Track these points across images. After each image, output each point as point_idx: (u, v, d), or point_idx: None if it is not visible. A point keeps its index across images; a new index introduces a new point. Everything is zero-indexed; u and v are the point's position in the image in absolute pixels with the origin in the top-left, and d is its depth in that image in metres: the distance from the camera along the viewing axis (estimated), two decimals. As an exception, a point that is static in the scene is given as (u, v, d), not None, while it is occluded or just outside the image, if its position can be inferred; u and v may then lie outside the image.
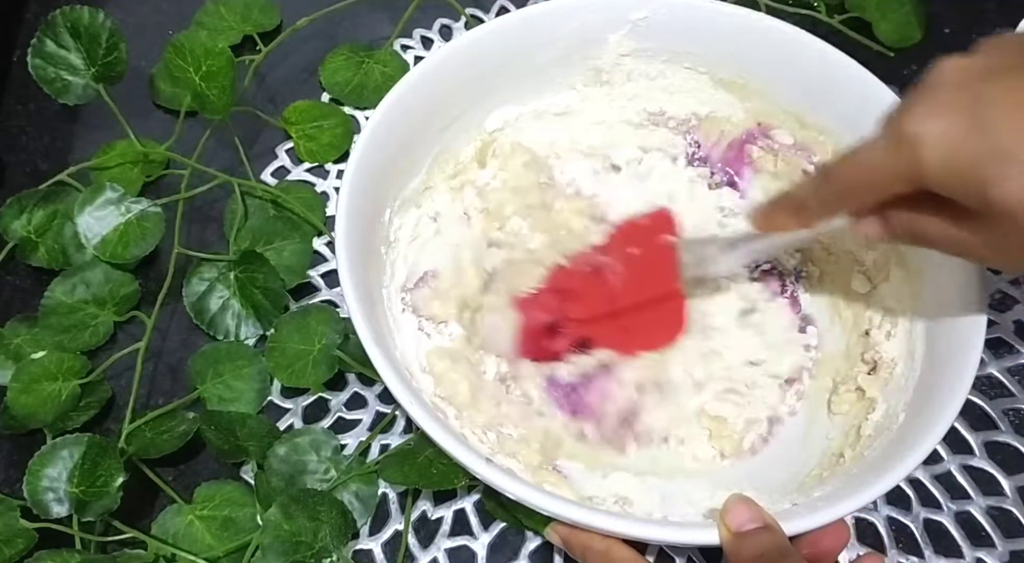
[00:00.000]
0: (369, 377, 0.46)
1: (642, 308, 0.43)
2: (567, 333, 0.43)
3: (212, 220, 0.51)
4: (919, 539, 0.42)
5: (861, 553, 0.41)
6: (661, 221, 0.44)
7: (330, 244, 0.50)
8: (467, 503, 0.43)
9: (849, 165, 0.32)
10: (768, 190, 0.47)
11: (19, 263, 0.49)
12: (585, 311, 0.43)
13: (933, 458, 0.44)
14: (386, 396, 0.46)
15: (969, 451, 0.44)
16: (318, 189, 0.52)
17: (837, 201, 0.34)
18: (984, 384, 0.46)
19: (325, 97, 0.55)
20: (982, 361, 0.36)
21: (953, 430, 0.42)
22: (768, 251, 0.42)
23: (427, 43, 0.58)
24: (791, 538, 0.32)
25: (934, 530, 0.42)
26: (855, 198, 0.33)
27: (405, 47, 0.57)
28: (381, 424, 0.44)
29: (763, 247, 0.39)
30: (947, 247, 0.32)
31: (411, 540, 0.42)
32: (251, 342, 0.47)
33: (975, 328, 0.36)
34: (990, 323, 0.47)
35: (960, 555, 0.42)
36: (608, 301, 0.43)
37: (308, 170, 0.53)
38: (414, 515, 0.43)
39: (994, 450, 0.44)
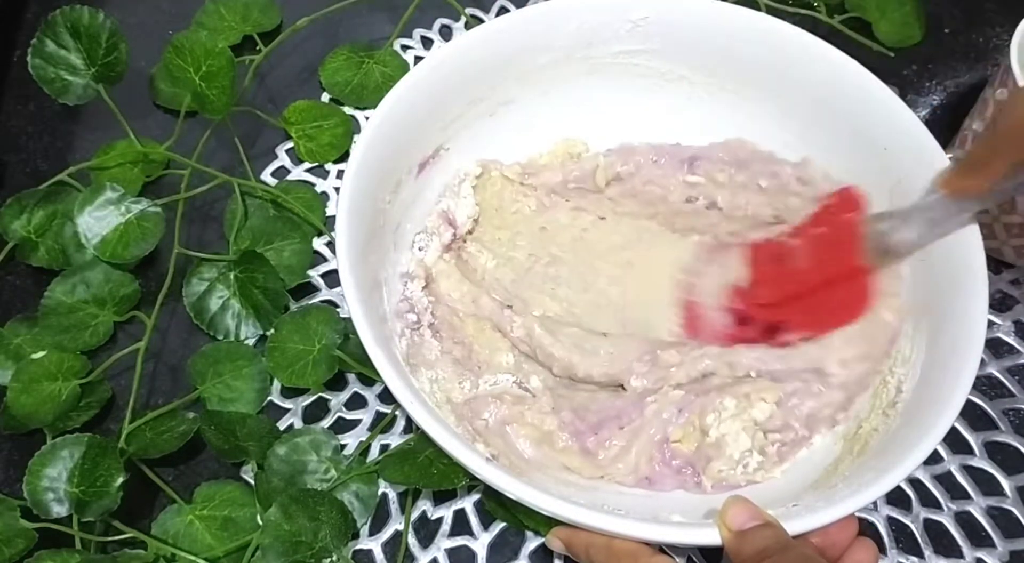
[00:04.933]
0: (369, 377, 0.46)
1: (827, 286, 0.42)
2: (755, 319, 0.43)
3: (212, 220, 0.51)
4: (919, 539, 0.42)
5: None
6: (848, 199, 0.43)
7: (330, 244, 0.50)
8: (467, 503, 0.43)
9: (1013, 108, 0.33)
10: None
11: (19, 263, 0.49)
12: (771, 295, 0.43)
13: (933, 458, 0.44)
14: (386, 396, 0.46)
15: (969, 451, 0.44)
16: (318, 189, 0.52)
17: (1008, 148, 0.34)
18: (984, 384, 0.46)
19: (325, 97, 0.55)
20: (982, 361, 0.36)
21: (953, 430, 0.42)
22: (947, 220, 0.39)
23: (427, 43, 0.58)
24: (793, 537, 0.32)
25: (934, 530, 0.42)
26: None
27: (405, 47, 0.57)
28: (381, 424, 0.44)
29: (941, 215, 0.38)
30: None
31: (411, 540, 0.42)
32: (251, 342, 0.47)
33: (975, 328, 0.36)
34: (990, 323, 0.47)
35: (960, 555, 0.42)
36: (794, 283, 0.42)
37: (308, 170, 0.53)
38: (414, 515, 0.43)
39: (994, 450, 0.44)
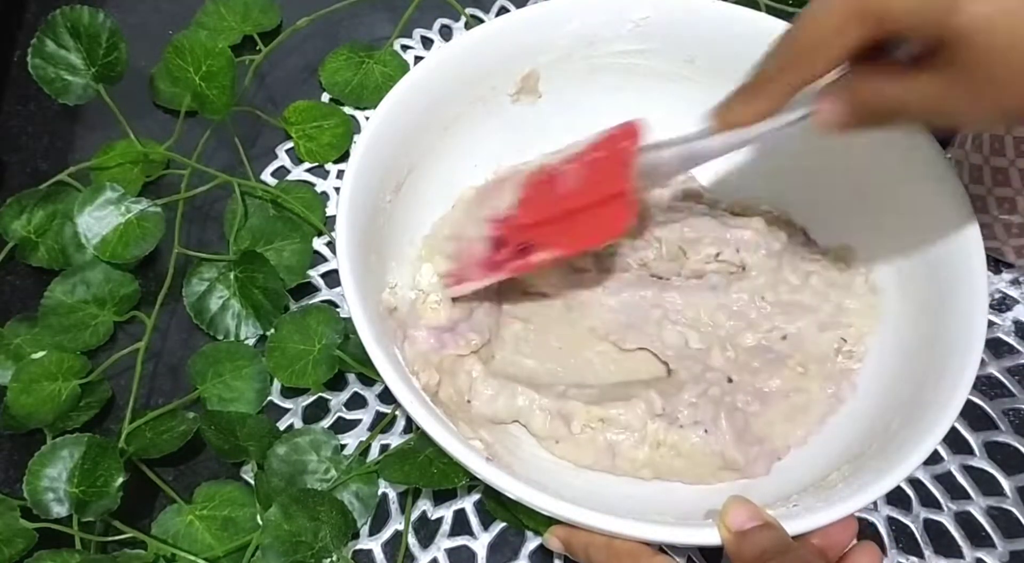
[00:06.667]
0: (369, 377, 0.46)
1: (590, 208, 0.41)
2: (510, 241, 0.42)
3: (212, 220, 0.51)
4: (919, 539, 0.42)
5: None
6: (629, 131, 0.42)
7: (330, 244, 0.50)
8: (467, 503, 0.43)
9: (800, 22, 0.31)
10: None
11: (19, 263, 0.49)
12: (531, 215, 0.42)
13: (933, 458, 0.44)
14: (386, 396, 0.46)
15: (969, 451, 0.44)
16: (318, 189, 0.52)
17: (793, 69, 0.32)
18: (984, 384, 0.46)
19: (325, 97, 0.55)
20: (982, 361, 0.36)
21: (953, 430, 0.42)
22: (723, 148, 0.39)
23: (427, 43, 0.58)
24: (793, 538, 0.32)
25: (934, 530, 0.43)
26: (811, 60, 0.31)
27: (405, 47, 0.57)
28: (381, 424, 0.44)
29: (718, 144, 0.37)
30: (913, 111, 0.30)
31: (411, 540, 0.42)
32: (251, 342, 0.47)
33: (975, 328, 0.36)
34: (990, 323, 0.47)
35: (960, 555, 0.42)
36: (555, 203, 0.42)
37: (308, 170, 0.53)
38: (414, 515, 0.43)
39: (994, 450, 0.44)
